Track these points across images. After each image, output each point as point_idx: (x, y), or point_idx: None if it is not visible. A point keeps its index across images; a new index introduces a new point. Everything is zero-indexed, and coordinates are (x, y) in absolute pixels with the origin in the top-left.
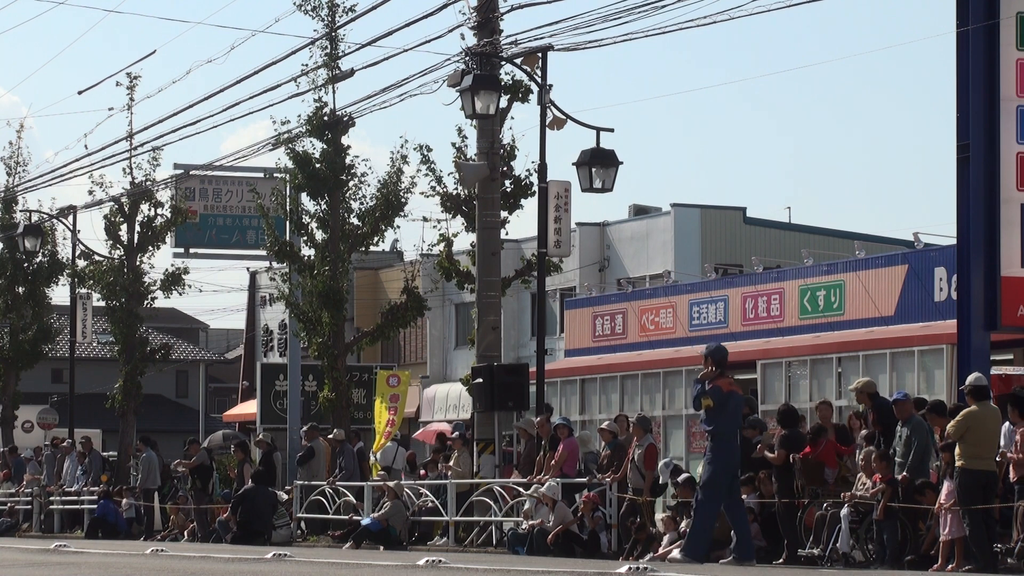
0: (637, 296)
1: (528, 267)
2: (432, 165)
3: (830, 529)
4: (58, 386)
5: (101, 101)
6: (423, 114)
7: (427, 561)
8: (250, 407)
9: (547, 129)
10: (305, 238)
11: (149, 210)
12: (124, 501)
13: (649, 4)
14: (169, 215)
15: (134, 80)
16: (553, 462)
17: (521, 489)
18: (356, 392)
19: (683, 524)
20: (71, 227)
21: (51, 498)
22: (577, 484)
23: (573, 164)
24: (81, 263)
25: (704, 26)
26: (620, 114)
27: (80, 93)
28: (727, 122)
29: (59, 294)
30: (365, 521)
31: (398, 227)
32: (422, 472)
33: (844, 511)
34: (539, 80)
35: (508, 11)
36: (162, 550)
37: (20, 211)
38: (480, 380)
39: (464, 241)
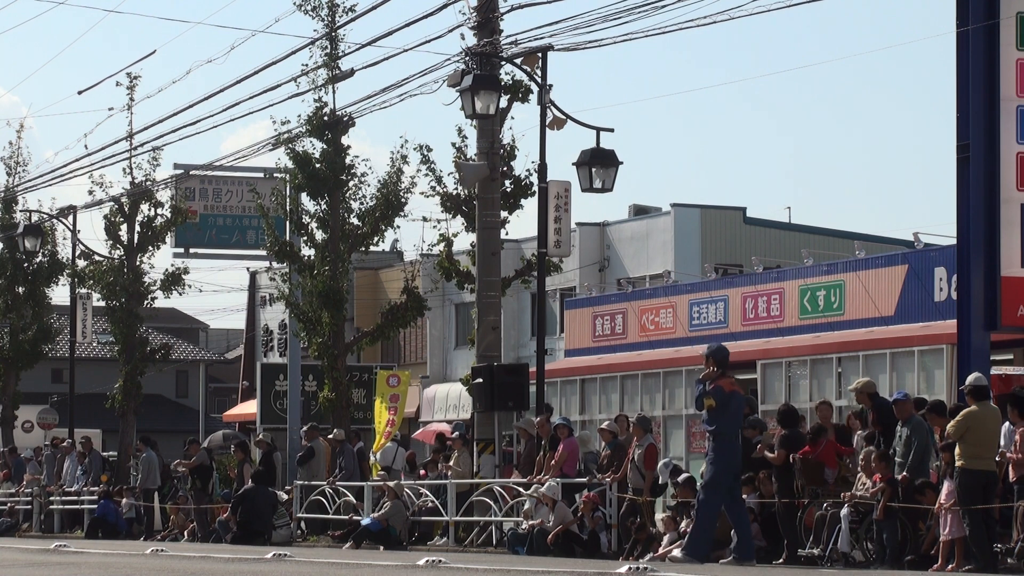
0: (637, 296)
1: (528, 267)
2: (432, 165)
3: (830, 529)
4: (58, 386)
5: (101, 101)
6: (423, 114)
7: (427, 561)
8: (250, 407)
9: (547, 129)
10: (305, 238)
11: (149, 210)
12: (124, 501)
13: (649, 4)
14: (169, 215)
15: (134, 80)
16: (553, 462)
17: (521, 489)
18: (356, 392)
19: (683, 524)
20: (71, 227)
21: (51, 498)
22: (577, 484)
23: (573, 164)
24: (81, 263)
25: (704, 26)
26: (620, 114)
27: (80, 93)
28: (727, 122)
29: (59, 294)
30: (365, 521)
31: (398, 227)
32: (422, 472)
33: (844, 511)
34: (539, 80)
35: (508, 11)
36: (162, 550)
37: (20, 211)
38: (480, 380)
39: (464, 241)
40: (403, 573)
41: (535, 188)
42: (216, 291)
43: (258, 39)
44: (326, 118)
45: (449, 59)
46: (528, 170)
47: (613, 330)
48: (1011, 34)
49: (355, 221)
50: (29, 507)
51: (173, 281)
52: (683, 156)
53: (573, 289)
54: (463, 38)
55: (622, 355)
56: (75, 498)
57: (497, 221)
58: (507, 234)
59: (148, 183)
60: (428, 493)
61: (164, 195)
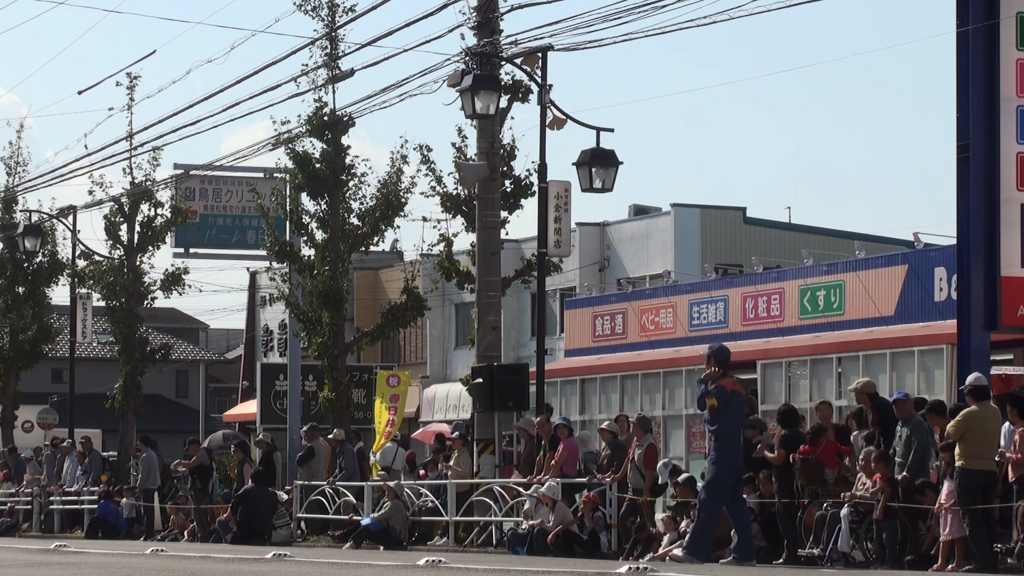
0: (637, 296)
1: (528, 267)
2: (432, 165)
3: (830, 529)
4: (58, 386)
5: (101, 101)
6: (423, 114)
7: (427, 561)
8: (250, 407)
9: (547, 129)
10: (305, 238)
11: (149, 210)
12: (124, 501)
13: (649, 4)
14: (169, 215)
15: (134, 80)
16: (553, 462)
17: (521, 489)
18: (356, 392)
19: (683, 524)
20: (71, 227)
21: (51, 498)
22: (577, 484)
23: (573, 164)
24: (81, 263)
25: (704, 26)
26: (620, 114)
27: (80, 93)
28: (727, 122)
29: (59, 294)
30: (365, 521)
31: (398, 227)
32: (421, 472)
33: (844, 511)
34: (539, 80)
35: (508, 11)
36: (162, 550)
37: (20, 211)
38: (480, 380)
39: (464, 241)
40: (403, 573)
41: (535, 188)
42: (216, 291)
43: (258, 39)
44: (326, 118)
45: (449, 59)
46: (528, 170)
47: (613, 330)
48: (1011, 34)
49: (355, 221)
50: (29, 507)
51: (173, 281)
52: (683, 156)
53: (573, 289)
54: (463, 38)
55: (622, 355)
56: (75, 498)
57: (497, 221)
58: (507, 234)
59: (148, 183)
60: (428, 493)
61: (164, 195)
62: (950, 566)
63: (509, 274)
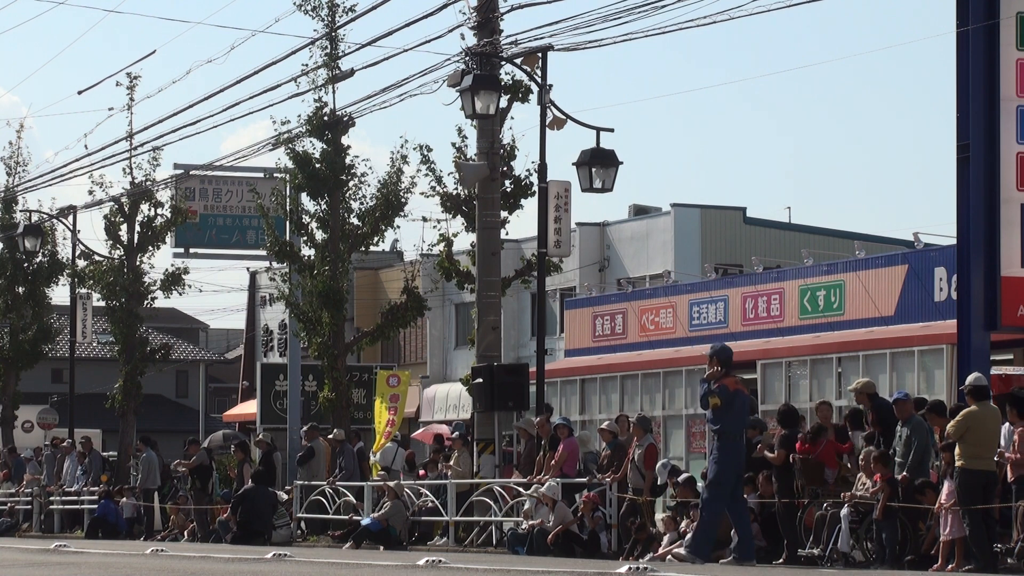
0: (637, 296)
1: (528, 267)
2: (432, 165)
3: (830, 529)
4: (58, 386)
5: (101, 101)
6: (423, 114)
7: (427, 561)
8: (250, 407)
9: (547, 129)
10: (305, 238)
11: (149, 210)
12: (124, 501)
13: (649, 4)
14: (169, 215)
15: (134, 80)
16: (553, 462)
17: (521, 489)
18: (356, 392)
19: (683, 524)
20: (71, 227)
21: (51, 498)
22: (577, 484)
23: (573, 164)
24: (81, 263)
25: (704, 26)
26: (620, 114)
27: (80, 93)
28: (727, 122)
29: (59, 294)
30: (365, 521)
31: (398, 227)
32: (421, 472)
33: (844, 511)
34: (539, 80)
35: (508, 11)
36: (162, 550)
37: (20, 211)
38: (480, 380)
39: (464, 241)
40: (403, 573)
41: (535, 188)
42: (216, 291)
43: (258, 39)
44: (326, 118)
45: (449, 59)
46: (528, 170)
47: (613, 330)
48: (1011, 34)
49: (355, 221)
50: (29, 507)
51: (173, 281)
52: (683, 156)
53: (573, 289)
54: (463, 38)
55: (622, 355)
56: (75, 498)
57: (497, 221)
58: (507, 234)
59: (148, 183)
60: (428, 493)
61: (164, 195)
62: (950, 566)
63: (509, 274)
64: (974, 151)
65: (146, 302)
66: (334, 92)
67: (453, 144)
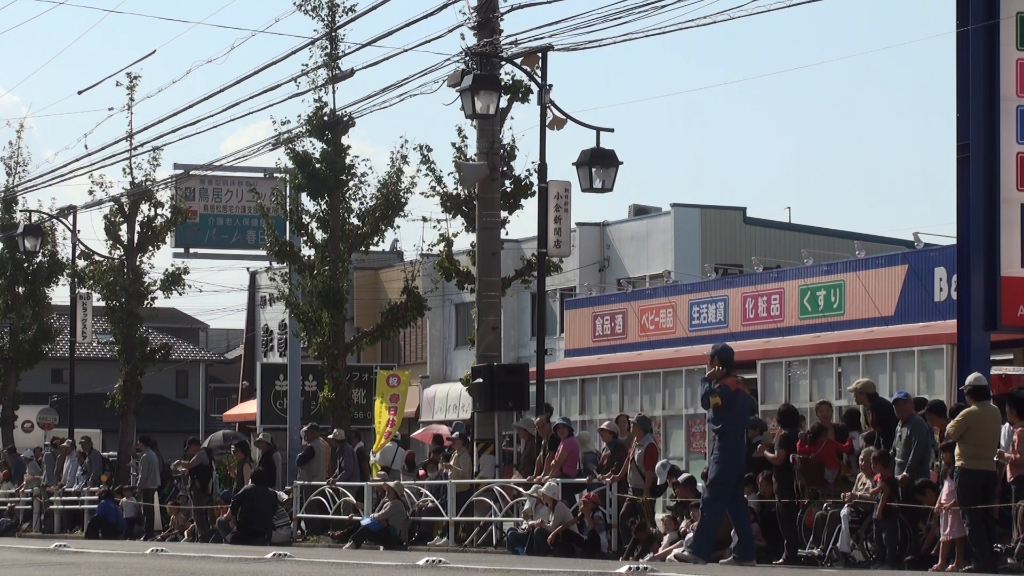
0: (637, 296)
1: (528, 267)
2: (432, 165)
3: (830, 529)
4: (58, 386)
5: (101, 101)
6: (423, 114)
7: (427, 561)
8: (250, 407)
9: (547, 129)
10: (305, 238)
11: (149, 210)
12: (124, 501)
13: (649, 4)
14: (169, 215)
15: (134, 80)
16: (553, 462)
17: (521, 489)
18: (356, 392)
19: (683, 524)
20: (71, 227)
21: (51, 498)
22: (577, 484)
23: (573, 164)
24: (81, 263)
25: (704, 26)
26: (620, 114)
27: (80, 93)
28: (727, 122)
29: (59, 294)
30: (365, 521)
31: (398, 227)
32: (421, 472)
33: (844, 511)
34: (539, 80)
35: (508, 11)
36: (162, 550)
37: (20, 211)
38: (480, 380)
39: (464, 241)
40: (403, 573)
41: (535, 188)
42: (216, 291)
43: (258, 39)
44: (326, 118)
45: (449, 59)
46: (528, 170)
47: (613, 330)
48: (1011, 34)
49: (355, 221)
50: (29, 507)
51: (173, 281)
52: (683, 156)
53: (573, 289)
54: (463, 38)
55: (622, 355)
56: (75, 498)
57: (497, 221)
58: (507, 234)
59: (148, 183)
60: (428, 493)
61: (164, 195)
62: (950, 566)
63: (509, 274)
64: (974, 151)
65: (146, 302)
66: (334, 92)
67: (453, 144)
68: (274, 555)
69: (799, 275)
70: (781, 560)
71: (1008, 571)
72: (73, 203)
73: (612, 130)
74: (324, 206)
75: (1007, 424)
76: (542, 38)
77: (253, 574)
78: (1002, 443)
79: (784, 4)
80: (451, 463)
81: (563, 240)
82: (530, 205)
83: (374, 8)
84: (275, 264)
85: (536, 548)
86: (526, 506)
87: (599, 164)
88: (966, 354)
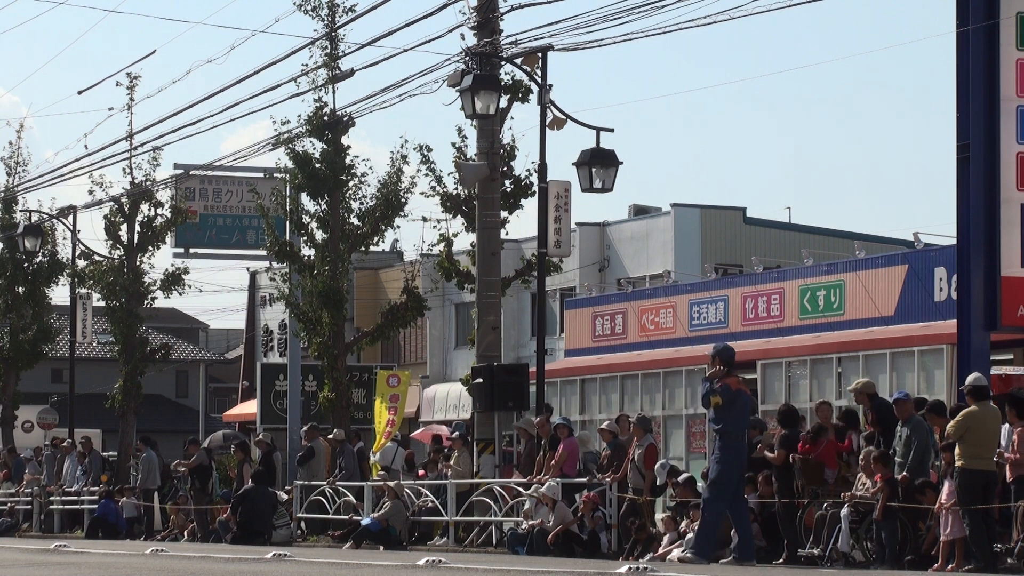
0: (637, 296)
1: (528, 267)
2: (432, 165)
3: (830, 529)
4: (58, 386)
5: (101, 101)
6: (423, 114)
7: (427, 561)
8: (250, 407)
9: (547, 129)
10: (305, 238)
11: (149, 210)
12: (124, 501)
13: (649, 4)
14: (169, 215)
15: (134, 80)
16: (553, 462)
17: (521, 489)
18: (356, 392)
19: (683, 524)
20: (71, 227)
21: (51, 498)
22: (577, 484)
23: (573, 164)
24: (81, 263)
25: (704, 26)
26: (620, 114)
27: (80, 93)
28: (727, 122)
29: (59, 294)
30: (365, 521)
31: (398, 227)
32: (421, 472)
33: (844, 511)
34: (539, 80)
35: (508, 11)
36: (162, 550)
37: (20, 211)
38: (480, 380)
39: (464, 241)
40: (403, 573)
41: (535, 188)
42: (216, 291)
43: (258, 39)
44: (326, 118)
45: (449, 59)
46: (528, 170)
47: (613, 330)
48: (1011, 34)
49: (355, 221)
50: (29, 507)
51: (173, 281)
52: (683, 156)
53: (573, 289)
54: (463, 38)
55: (622, 355)
56: (75, 498)
57: (497, 221)
58: (507, 234)
59: (148, 183)
60: (428, 493)
61: (164, 195)
62: (950, 566)
63: (509, 274)
64: (974, 151)
65: (146, 302)
66: (334, 92)
67: (453, 144)
68: (274, 555)
69: (799, 275)
70: (781, 560)
71: (1008, 571)
72: (73, 203)
73: (612, 130)
74: (324, 206)
75: (1007, 424)
76: (542, 38)
77: (253, 574)
78: (1002, 443)
79: (784, 4)
80: (451, 463)
81: (563, 240)
82: (530, 205)
83: (374, 8)
84: (275, 264)
85: (536, 548)
86: (526, 506)
87: (599, 164)
88: (966, 354)
